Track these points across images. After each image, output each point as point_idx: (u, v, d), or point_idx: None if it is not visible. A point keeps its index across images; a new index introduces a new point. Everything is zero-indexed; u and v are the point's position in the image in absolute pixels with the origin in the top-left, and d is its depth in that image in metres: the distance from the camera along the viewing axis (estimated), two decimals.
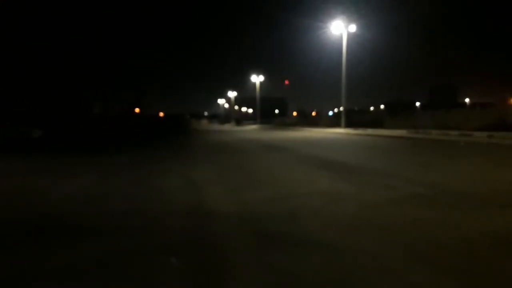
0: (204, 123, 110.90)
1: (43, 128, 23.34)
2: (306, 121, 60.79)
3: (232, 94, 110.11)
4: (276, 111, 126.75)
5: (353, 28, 34.43)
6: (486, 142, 15.87)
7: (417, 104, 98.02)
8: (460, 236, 3.79)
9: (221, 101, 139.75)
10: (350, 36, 35.04)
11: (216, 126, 74.02)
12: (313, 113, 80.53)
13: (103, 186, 7.27)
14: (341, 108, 38.86)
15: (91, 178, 8.20)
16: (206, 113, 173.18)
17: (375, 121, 39.30)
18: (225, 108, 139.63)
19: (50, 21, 27.13)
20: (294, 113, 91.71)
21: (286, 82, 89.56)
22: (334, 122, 44.14)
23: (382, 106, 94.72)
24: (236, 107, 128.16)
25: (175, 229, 4.23)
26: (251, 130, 46.10)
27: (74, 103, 29.74)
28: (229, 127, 69.58)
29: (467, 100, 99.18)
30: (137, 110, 49.08)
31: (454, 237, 3.78)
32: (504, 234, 3.82)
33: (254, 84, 74.72)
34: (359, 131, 29.01)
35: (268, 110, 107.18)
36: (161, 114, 73.34)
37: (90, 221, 4.68)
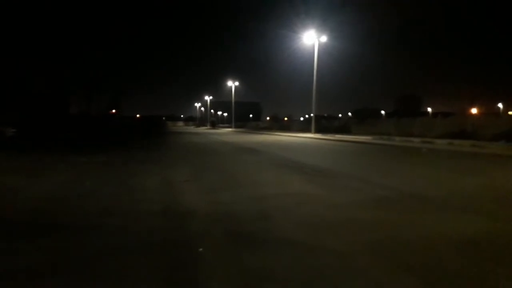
0: (180, 126, 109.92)
1: (16, 127, 22.55)
2: (278, 125, 61.16)
3: (208, 98, 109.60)
4: (251, 115, 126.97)
5: (323, 38, 34.93)
6: (446, 149, 16.37)
7: (383, 112, 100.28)
8: (420, 237, 3.90)
9: (197, 104, 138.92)
10: (322, 46, 35.54)
11: (192, 129, 73.45)
12: (285, 118, 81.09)
13: (76, 185, 7.08)
14: (312, 114, 39.29)
15: (63, 177, 7.97)
16: (182, 116, 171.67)
17: (343, 127, 39.98)
18: (201, 111, 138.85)
19: (26, 18, 26.30)
20: (268, 118, 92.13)
21: None
22: (305, 127, 44.58)
23: (350, 114, 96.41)
24: (212, 111, 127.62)
25: (149, 229, 4.17)
26: (226, 133, 45.99)
27: (50, 103, 28.90)
28: (204, 130, 69.16)
29: (429, 109, 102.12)
30: (113, 111, 48.16)
31: (415, 237, 3.88)
32: (460, 235, 3.95)
33: (230, 88, 74.67)
34: (328, 136, 29.39)
35: (243, 114, 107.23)
36: (138, 116, 72.24)
37: (61, 220, 4.56)
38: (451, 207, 5.31)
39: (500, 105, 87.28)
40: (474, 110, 65.39)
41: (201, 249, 3.28)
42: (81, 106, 37.24)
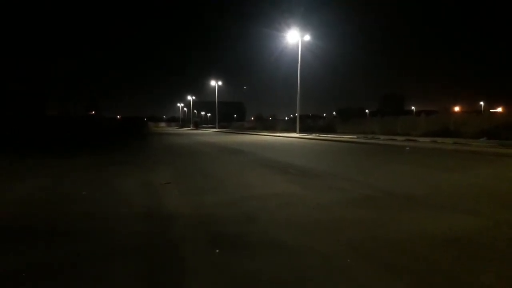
0: (162, 127, 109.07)
1: None
2: (263, 125, 61.27)
3: (190, 98, 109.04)
4: (235, 115, 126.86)
5: (307, 37, 35.15)
6: (430, 147, 16.66)
7: (367, 111, 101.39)
8: (403, 235, 3.96)
9: (180, 105, 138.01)
10: (305, 45, 35.74)
11: (175, 130, 72.96)
12: (270, 118, 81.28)
13: (55, 189, 6.97)
14: (296, 114, 39.50)
15: (42, 181, 7.83)
16: (164, 117, 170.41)
17: (328, 126, 40.32)
18: (184, 112, 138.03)
19: (8, 20, 25.79)
20: (252, 118, 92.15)
21: None
22: (290, 127, 44.80)
23: (334, 113, 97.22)
24: (195, 112, 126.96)
25: (131, 232, 4.14)
26: (210, 133, 45.83)
27: (25, 103, 28.33)
28: (187, 130, 68.77)
29: (413, 108, 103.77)
30: (92, 112, 47.55)
31: (398, 236, 3.95)
32: (443, 233, 4.03)
33: (213, 89, 74.47)
34: (313, 135, 29.59)
35: (227, 114, 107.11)
36: (119, 117, 71.41)
37: (41, 224, 4.48)
38: (435, 206, 5.41)
39: (482, 103, 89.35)
40: (456, 109, 66.75)
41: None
42: (59, 107, 36.66)
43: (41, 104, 32.16)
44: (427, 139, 20.86)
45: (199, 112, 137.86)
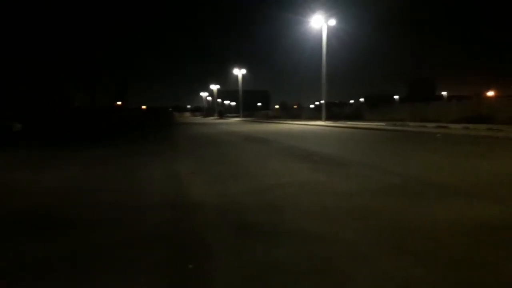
0: (187, 116, 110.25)
1: (22, 121, 22.89)
2: (288, 114, 61.01)
3: (215, 87, 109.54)
4: (259, 104, 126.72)
5: (332, 22, 34.61)
6: (461, 134, 16.25)
7: (396, 97, 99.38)
8: (431, 224, 3.93)
9: (204, 94, 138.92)
10: (330, 30, 35.25)
11: (199, 119, 73.68)
12: (295, 106, 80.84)
13: (84, 179, 7.22)
14: (322, 101, 39.13)
15: (72, 171, 8.12)
16: (189, 106, 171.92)
17: (355, 114, 39.76)
18: (207, 101, 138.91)
19: (31, 13, 26.52)
20: (276, 106, 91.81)
21: None
22: (315, 115, 44.45)
23: (362, 99, 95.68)
24: (219, 100, 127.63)
25: (157, 221, 4.26)
26: (234, 123, 46.05)
27: (54, 97, 29.20)
28: (212, 120, 69.33)
29: (444, 93, 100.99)
30: (119, 103, 48.47)
31: (425, 224, 3.92)
32: (471, 223, 3.97)
33: (237, 77, 74.58)
34: (339, 123, 29.30)
35: (251, 103, 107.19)
36: (144, 107, 72.56)
37: (72, 213, 4.67)
38: (465, 194, 5.32)
39: None
40: (490, 93, 64.52)
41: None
42: (85, 100, 37.56)
43: (68, 98, 33.08)
44: (458, 126, 20.32)
45: (223, 101, 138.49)
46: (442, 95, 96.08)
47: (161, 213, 4.56)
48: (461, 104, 28.29)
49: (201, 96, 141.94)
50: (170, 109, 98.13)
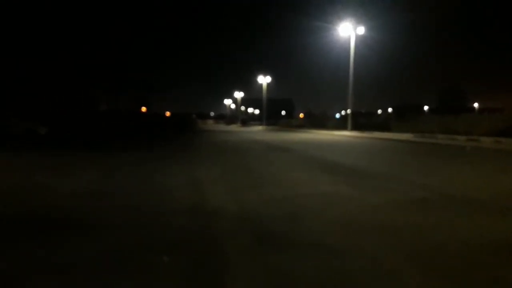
0: (210, 124, 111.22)
1: (49, 124, 23.57)
2: (312, 122, 60.69)
3: (238, 94, 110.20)
4: (283, 112, 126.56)
5: (361, 29, 34.40)
6: (492, 148, 15.79)
7: (425, 107, 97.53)
8: (460, 241, 3.80)
9: (227, 101, 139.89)
10: (358, 38, 35.03)
11: (222, 127, 74.19)
12: (320, 115, 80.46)
13: (107, 183, 7.35)
14: (348, 111, 38.79)
15: (96, 175, 8.28)
16: (212, 114, 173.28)
17: (382, 124, 39.17)
18: (231, 108, 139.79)
19: (59, 17, 27.36)
20: (301, 115, 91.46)
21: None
22: (341, 124, 44.04)
23: (389, 109, 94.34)
24: (243, 108, 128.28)
25: (176, 227, 4.29)
26: (257, 131, 46.16)
27: (80, 100, 29.97)
28: (235, 127, 69.69)
29: (476, 104, 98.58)
30: (143, 108, 49.39)
31: (453, 241, 3.79)
32: (504, 240, 3.83)
33: (261, 84, 74.84)
34: (366, 134, 28.95)
35: (275, 111, 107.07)
36: (168, 113, 73.60)
37: (93, 218, 4.75)
38: (495, 210, 5.14)
39: None
40: None
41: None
42: (109, 103, 38.38)
43: (94, 101, 33.90)
44: (490, 139, 19.76)
45: (246, 109, 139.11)
46: (473, 107, 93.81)
47: (181, 220, 4.58)
48: (493, 117, 27.53)
49: (225, 104, 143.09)
50: (193, 115, 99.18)
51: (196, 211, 5.06)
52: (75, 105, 28.17)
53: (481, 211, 5.11)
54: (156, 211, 5.09)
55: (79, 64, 29.55)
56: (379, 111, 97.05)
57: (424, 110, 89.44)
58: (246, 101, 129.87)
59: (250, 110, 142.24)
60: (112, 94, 37.77)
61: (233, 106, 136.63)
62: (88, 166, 9.96)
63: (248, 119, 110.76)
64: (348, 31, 34.72)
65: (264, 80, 74.27)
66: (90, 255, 3.42)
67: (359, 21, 34.56)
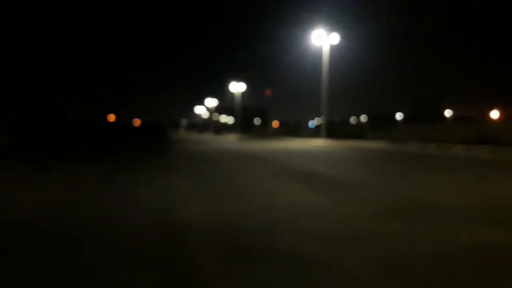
0: (182, 132, 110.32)
1: (11, 134, 22.83)
2: (287, 131, 61.12)
3: (211, 102, 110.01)
4: (258, 120, 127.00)
5: (334, 37, 35.02)
6: (465, 156, 16.30)
7: (400, 115, 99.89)
8: (433, 251, 3.88)
9: (200, 109, 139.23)
10: (333, 46, 35.62)
11: (194, 136, 73.73)
12: (294, 123, 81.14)
13: (73, 195, 7.16)
14: (322, 119, 39.30)
15: (59, 187, 8.06)
16: (183, 121, 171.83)
17: (357, 132, 39.84)
18: (203, 117, 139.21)
19: (24, 24, 26.73)
20: (275, 123, 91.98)
21: (268, 91, 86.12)
22: (316, 132, 44.55)
23: (363, 117, 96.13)
24: (216, 116, 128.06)
25: (146, 241, 4.21)
26: (231, 140, 46.09)
27: (47, 108, 29.21)
28: (208, 136, 69.38)
29: (449, 113, 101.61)
30: (112, 117, 48.62)
31: (428, 250, 3.87)
32: (477, 249, 3.94)
33: (235, 93, 74.94)
34: (340, 142, 29.37)
35: (249, 119, 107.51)
36: (138, 121, 72.63)
37: (57, 231, 4.61)
38: (468, 218, 5.28)
39: None
40: (495, 114, 65.04)
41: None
42: (78, 112, 37.61)
43: (64, 109, 33.09)
44: (462, 147, 20.40)
45: (220, 117, 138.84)
46: (446, 116, 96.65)
47: (150, 234, 4.51)
48: (465, 126, 28.45)
49: (197, 112, 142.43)
50: (165, 124, 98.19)
51: (167, 224, 4.98)
52: (41, 114, 27.41)
53: (453, 219, 5.24)
54: (125, 224, 4.98)
55: (46, 69, 28.86)
56: (353, 118, 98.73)
57: (397, 120, 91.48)
58: (219, 109, 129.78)
59: (223, 118, 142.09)
60: (80, 101, 37.07)
61: (206, 114, 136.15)
62: (53, 178, 9.69)
63: (222, 128, 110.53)
64: (321, 39, 35.29)
65: (237, 87, 74.43)
66: (55, 270, 3.31)
67: (333, 29, 35.20)
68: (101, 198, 6.89)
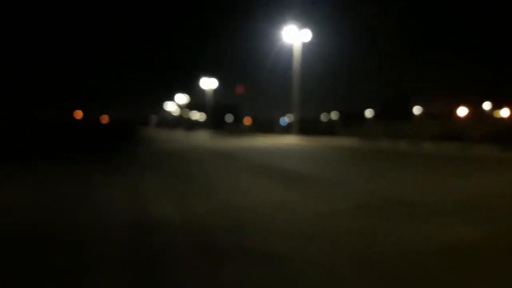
0: (152, 129, 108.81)
1: None
2: (259, 128, 61.22)
3: (182, 98, 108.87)
4: (230, 117, 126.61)
5: (306, 35, 35.24)
6: (433, 152, 16.76)
7: (370, 112, 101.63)
8: (405, 246, 3.98)
9: (170, 105, 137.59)
10: (303, 43, 35.86)
11: (165, 132, 72.83)
12: (266, 120, 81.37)
13: (36, 197, 6.94)
14: (294, 116, 39.59)
15: (22, 189, 7.81)
16: (154, 118, 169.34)
17: (328, 129, 40.37)
18: (174, 113, 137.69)
19: None
20: (247, 120, 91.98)
21: (240, 89, 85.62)
22: (287, 129, 44.83)
23: (334, 115, 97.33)
24: (188, 112, 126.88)
25: (114, 242, 4.13)
26: (202, 137, 45.81)
27: (9, 105, 28.20)
28: (178, 133, 68.68)
29: (418, 110, 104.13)
30: (79, 113, 47.40)
31: (400, 247, 3.96)
32: (446, 243, 4.05)
33: (206, 89, 74.47)
34: (311, 139, 29.68)
35: (221, 116, 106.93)
36: (105, 118, 71.11)
37: (20, 233, 4.46)
38: (439, 213, 5.43)
39: (486, 105, 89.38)
40: (463, 110, 67.22)
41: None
42: (42, 109, 36.52)
43: (28, 105, 31.98)
44: (430, 144, 20.98)
45: (191, 114, 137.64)
46: (415, 113, 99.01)
47: (119, 234, 4.42)
48: (433, 123, 29.31)
49: (168, 108, 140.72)
50: (134, 120, 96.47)
51: (136, 224, 4.90)
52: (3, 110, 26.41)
53: (424, 215, 5.37)
54: (92, 226, 4.87)
55: (8, 65, 27.87)
56: (324, 115, 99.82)
57: (366, 117, 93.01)
58: (190, 106, 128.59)
59: (195, 115, 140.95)
60: (45, 98, 35.98)
61: (176, 110, 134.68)
62: (15, 179, 9.37)
63: (193, 125, 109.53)
64: (293, 36, 35.46)
65: (209, 83, 73.97)
66: (13, 274, 3.20)
67: (305, 26, 35.41)
68: (66, 199, 6.70)
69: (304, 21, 36.29)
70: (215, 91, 76.77)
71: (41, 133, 25.41)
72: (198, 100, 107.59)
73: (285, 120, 64.05)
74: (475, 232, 4.51)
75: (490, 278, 3.21)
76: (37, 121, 31.45)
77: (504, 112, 59.22)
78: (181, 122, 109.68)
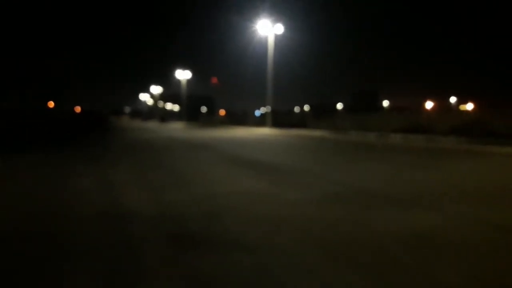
0: (126, 120, 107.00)
1: None
2: (233, 120, 61.10)
3: (156, 89, 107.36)
4: (204, 109, 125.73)
5: (279, 28, 35.29)
6: (400, 144, 17.17)
7: (340, 105, 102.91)
8: (371, 233, 4.09)
9: (144, 96, 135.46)
10: (278, 37, 35.92)
11: (139, 124, 71.72)
12: (240, 112, 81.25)
13: (4, 188, 6.76)
14: (268, 108, 39.70)
15: None
16: (127, 109, 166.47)
17: (300, 121, 40.65)
18: (148, 104, 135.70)
19: None
20: (222, 112, 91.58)
21: (214, 80, 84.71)
22: (261, 121, 44.92)
23: (306, 107, 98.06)
24: (161, 104, 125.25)
25: (86, 233, 4.08)
26: (176, 128, 45.38)
27: None
28: (152, 124, 67.78)
29: (386, 103, 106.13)
30: (51, 104, 46.14)
31: (366, 234, 4.07)
32: (409, 231, 4.19)
33: (180, 80, 73.65)
34: (284, 131, 29.88)
35: (195, 107, 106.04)
36: (78, 109, 69.54)
37: None
38: (404, 203, 5.60)
39: (452, 99, 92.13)
40: (429, 104, 69.07)
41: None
42: (12, 99, 35.35)
43: None
44: (398, 136, 21.47)
45: (165, 105, 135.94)
46: (384, 106, 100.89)
47: (90, 224, 4.37)
48: (401, 116, 29.96)
49: (141, 99, 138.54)
50: (107, 111, 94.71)
51: (109, 215, 4.85)
52: None
53: (390, 204, 5.53)
54: (63, 216, 4.79)
55: None
56: (297, 108, 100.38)
57: (338, 110, 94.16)
58: (164, 97, 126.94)
59: (169, 106, 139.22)
60: (15, 88, 34.79)
61: (150, 101, 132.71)
62: None
63: (167, 116, 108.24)
64: (267, 29, 35.45)
65: (183, 74, 73.15)
66: None
67: (278, 19, 35.43)
68: (36, 190, 6.56)
69: (279, 14, 36.32)
70: (190, 82, 76.02)
71: (10, 123, 24.63)
72: (173, 92, 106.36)
73: (259, 112, 64.11)
74: (433, 219, 4.68)
75: (445, 258, 3.35)
76: (5, 111, 30.47)
77: (469, 106, 61.44)
78: (156, 113, 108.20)
